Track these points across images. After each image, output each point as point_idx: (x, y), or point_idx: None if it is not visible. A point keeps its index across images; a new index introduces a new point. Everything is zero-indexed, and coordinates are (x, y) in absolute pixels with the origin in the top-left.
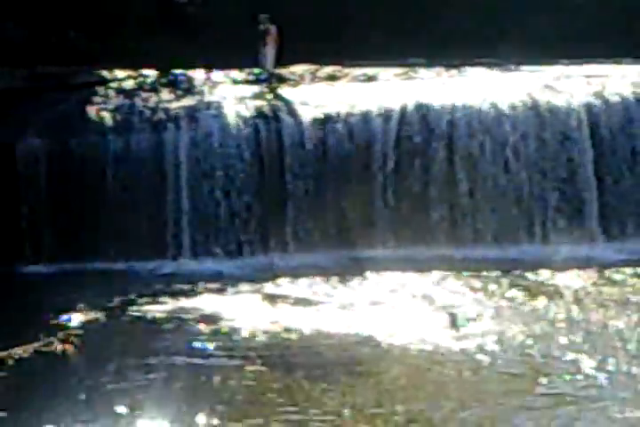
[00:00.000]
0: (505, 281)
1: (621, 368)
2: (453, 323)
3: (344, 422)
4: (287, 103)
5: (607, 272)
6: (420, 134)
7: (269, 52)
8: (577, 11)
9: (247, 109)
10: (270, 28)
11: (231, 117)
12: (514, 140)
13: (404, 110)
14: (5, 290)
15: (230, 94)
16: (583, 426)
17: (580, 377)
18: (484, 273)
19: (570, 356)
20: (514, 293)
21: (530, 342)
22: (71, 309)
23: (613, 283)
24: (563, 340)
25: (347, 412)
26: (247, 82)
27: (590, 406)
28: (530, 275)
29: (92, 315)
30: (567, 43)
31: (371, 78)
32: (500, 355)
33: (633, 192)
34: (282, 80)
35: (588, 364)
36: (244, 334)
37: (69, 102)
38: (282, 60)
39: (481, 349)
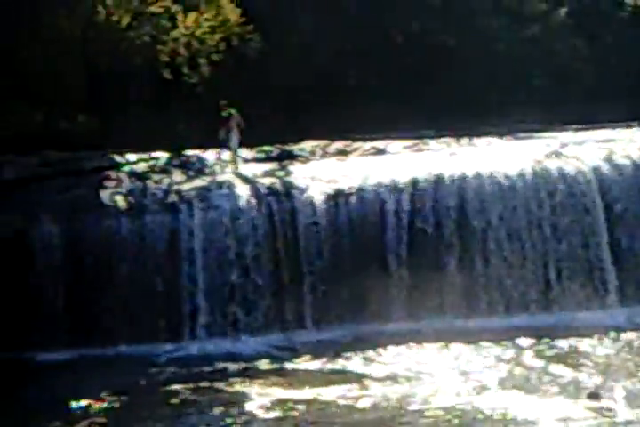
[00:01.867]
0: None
1: None
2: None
3: None
4: (298, 180)
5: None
6: (432, 207)
7: (234, 135)
8: (579, 74)
9: (259, 188)
10: (233, 113)
11: (243, 196)
12: (525, 208)
13: (415, 183)
14: (22, 378)
15: (241, 173)
16: None
17: None
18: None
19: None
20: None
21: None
22: (90, 395)
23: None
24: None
25: None
26: (257, 160)
27: None
28: (552, 342)
29: (113, 401)
30: (570, 106)
31: (380, 152)
32: None
33: None
34: (292, 157)
35: None
36: (267, 414)
37: (82, 187)
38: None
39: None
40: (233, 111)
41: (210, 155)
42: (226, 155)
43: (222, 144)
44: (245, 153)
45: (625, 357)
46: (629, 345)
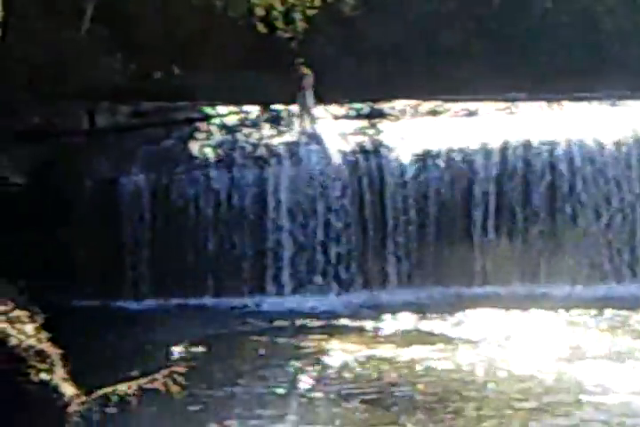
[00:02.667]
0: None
1: None
2: None
3: None
4: (388, 139)
5: None
6: (521, 171)
7: (307, 95)
8: None
9: (348, 144)
10: (305, 73)
11: (332, 153)
12: (616, 175)
13: (505, 146)
14: (107, 325)
15: (331, 129)
16: None
17: None
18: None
19: None
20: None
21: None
22: (173, 344)
23: None
24: None
25: None
26: (348, 117)
27: None
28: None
29: (195, 351)
30: None
31: (472, 113)
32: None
33: None
34: (383, 115)
35: None
36: (345, 371)
37: (172, 138)
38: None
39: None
40: (306, 70)
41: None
42: (304, 113)
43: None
44: (335, 110)
45: None
46: None
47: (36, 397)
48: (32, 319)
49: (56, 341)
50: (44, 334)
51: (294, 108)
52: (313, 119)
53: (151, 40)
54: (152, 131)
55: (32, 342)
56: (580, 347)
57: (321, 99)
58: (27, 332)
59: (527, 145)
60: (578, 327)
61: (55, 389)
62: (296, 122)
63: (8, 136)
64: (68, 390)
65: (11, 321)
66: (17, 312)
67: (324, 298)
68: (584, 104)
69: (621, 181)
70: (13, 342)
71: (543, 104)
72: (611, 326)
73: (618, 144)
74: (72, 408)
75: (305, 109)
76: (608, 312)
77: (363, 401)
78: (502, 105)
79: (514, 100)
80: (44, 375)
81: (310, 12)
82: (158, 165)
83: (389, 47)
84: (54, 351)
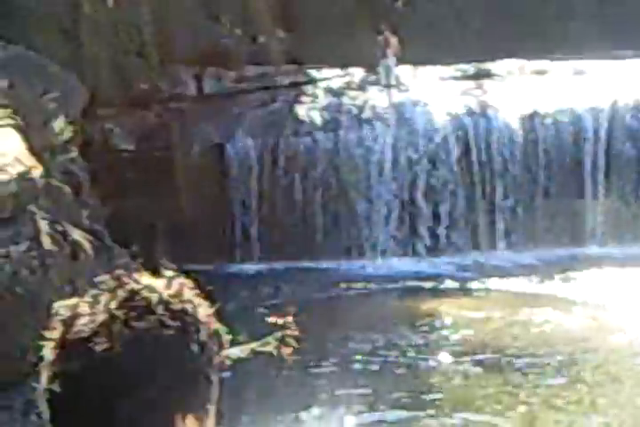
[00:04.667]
0: None
1: None
2: None
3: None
4: (495, 99)
5: None
6: (632, 131)
7: (390, 62)
8: None
9: (455, 106)
10: (390, 38)
11: (438, 114)
12: None
13: (614, 106)
14: (218, 289)
15: (438, 91)
16: None
17: None
18: None
19: None
20: None
21: None
22: (285, 308)
23: None
24: None
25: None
26: (453, 78)
27: None
28: None
29: (306, 314)
30: None
31: (579, 72)
32: None
33: None
34: (489, 76)
35: None
36: (457, 332)
37: (278, 102)
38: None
39: None
40: (389, 35)
41: (405, 71)
42: (424, 71)
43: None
44: (440, 71)
45: None
46: None
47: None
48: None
49: None
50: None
51: (377, 75)
52: (397, 85)
53: (256, 4)
54: (258, 95)
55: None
56: None
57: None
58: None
59: (637, 104)
60: None
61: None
62: (381, 89)
63: (117, 103)
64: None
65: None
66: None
67: (432, 260)
68: None
69: None
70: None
71: None
72: None
73: None
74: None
75: (388, 77)
76: None
77: (476, 364)
78: (610, 63)
79: (621, 57)
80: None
81: None
82: (265, 129)
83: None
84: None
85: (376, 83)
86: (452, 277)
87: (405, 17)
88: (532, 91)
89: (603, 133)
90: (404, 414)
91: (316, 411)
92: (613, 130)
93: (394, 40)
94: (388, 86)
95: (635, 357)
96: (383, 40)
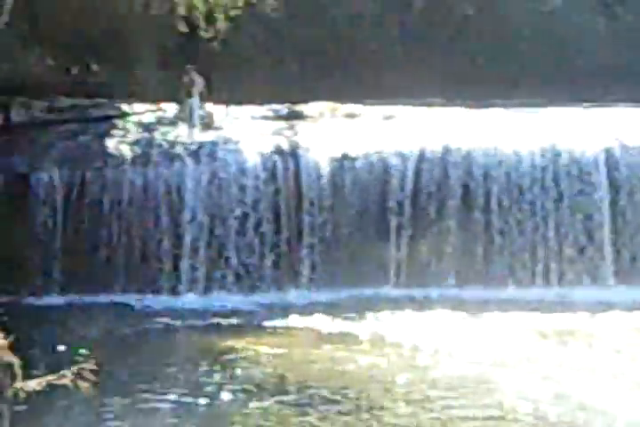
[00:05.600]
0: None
1: None
2: None
3: None
4: (305, 140)
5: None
6: (438, 177)
7: (195, 102)
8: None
9: (265, 145)
10: (196, 78)
11: (249, 153)
12: (532, 185)
13: (422, 151)
14: (15, 322)
15: (249, 130)
16: None
17: None
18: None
19: None
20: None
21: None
22: (83, 341)
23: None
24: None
25: None
26: (266, 118)
27: None
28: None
29: (105, 348)
30: (578, 85)
31: (390, 117)
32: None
33: None
34: (300, 117)
35: None
36: (256, 369)
37: (88, 134)
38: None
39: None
40: (195, 75)
41: (218, 110)
42: (236, 110)
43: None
44: (254, 111)
45: None
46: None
47: None
48: None
49: None
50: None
51: (180, 113)
52: (204, 124)
53: (70, 36)
54: (68, 127)
55: None
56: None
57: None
58: None
59: (445, 151)
60: (493, 330)
61: None
62: (183, 127)
63: None
64: None
65: None
66: None
67: (235, 298)
68: (500, 111)
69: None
70: None
71: (462, 109)
72: (527, 330)
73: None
74: None
75: (192, 116)
76: (527, 315)
77: (275, 400)
78: (421, 109)
79: (432, 104)
80: None
81: (233, 13)
82: (74, 161)
83: (308, 50)
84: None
85: (187, 119)
86: (255, 314)
87: (221, 57)
88: (343, 133)
89: (410, 177)
90: None
91: None
92: (420, 175)
93: (199, 80)
94: (192, 125)
95: (425, 393)
96: (189, 79)
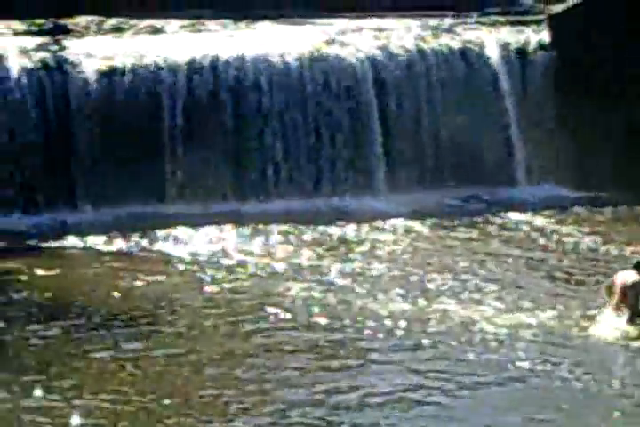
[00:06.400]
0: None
1: None
2: None
3: None
4: (72, 55)
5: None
6: (209, 87)
7: None
8: None
9: (31, 62)
10: None
11: (14, 70)
12: (301, 92)
13: (192, 63)
14: None
15: (12, 46)
16: None
17: None
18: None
19: None
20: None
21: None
22: None
23: None
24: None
25: None
26: (29, 33)
27: None
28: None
29: None
30: None
31: (158, 31)
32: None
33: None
34: (66, 31)
35: None
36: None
37: None
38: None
39: None
40: None
41: None
42: None
43: None
44: (17, 26)
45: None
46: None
47: None
48: None
49: None
50: None
51: None
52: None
53: None
54: None
55: None
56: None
57: None
58: None
59: (215, 61)
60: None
61: None
62: None
63: None
64: None
65: None
66: None
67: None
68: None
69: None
70: None
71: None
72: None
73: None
74: None
75: None
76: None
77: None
78: (188, 22)
79: (200, 17)
80: None
81: None
82: None
83: None
84: None
85: None
86: (35, 235)
87: None
88: (110, 48)
89: (181, 90)
90: None
91: None
92: (191, 86)
93: None
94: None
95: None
96: None
